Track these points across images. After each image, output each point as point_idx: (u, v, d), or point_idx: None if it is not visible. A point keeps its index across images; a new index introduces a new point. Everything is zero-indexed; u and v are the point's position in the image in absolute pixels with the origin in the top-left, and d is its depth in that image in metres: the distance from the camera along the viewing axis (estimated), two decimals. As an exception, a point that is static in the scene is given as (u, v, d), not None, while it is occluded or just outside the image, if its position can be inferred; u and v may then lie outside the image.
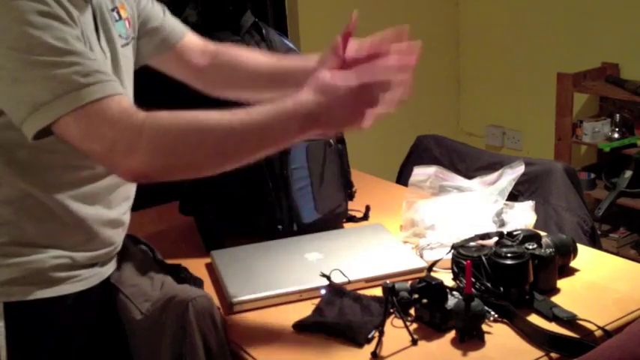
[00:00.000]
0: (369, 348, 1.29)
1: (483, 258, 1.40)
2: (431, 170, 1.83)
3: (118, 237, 1.36)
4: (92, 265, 1.28)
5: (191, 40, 1.54)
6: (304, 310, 1.42)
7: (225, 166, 1.15)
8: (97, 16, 1.26)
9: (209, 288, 1.53)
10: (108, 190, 1.29)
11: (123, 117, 1.08)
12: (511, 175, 1.73)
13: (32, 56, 1.06)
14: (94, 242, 1.28)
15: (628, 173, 3.05)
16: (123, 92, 1.13)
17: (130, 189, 1.37)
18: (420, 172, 1.84)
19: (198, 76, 1.53)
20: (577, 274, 1.53)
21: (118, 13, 1.33)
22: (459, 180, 1.82)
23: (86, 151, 1.11)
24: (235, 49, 1.57)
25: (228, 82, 1.53)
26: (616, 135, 3.16)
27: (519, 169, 1.73)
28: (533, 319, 1.34)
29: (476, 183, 1.80)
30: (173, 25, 1.51)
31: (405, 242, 1.69)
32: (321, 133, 1.18)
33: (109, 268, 1.34)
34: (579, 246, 1.55)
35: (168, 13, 1.52)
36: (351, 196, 1.97)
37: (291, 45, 1.82)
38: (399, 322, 1.34)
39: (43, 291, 1.21)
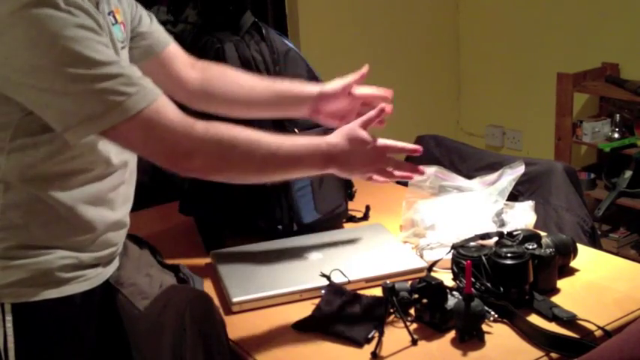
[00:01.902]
0: (369, 348, 1.29)
1: (483, 258, 1.40)
2: (431, 170, 1.83)
3: (120, 238, 1.37)
4: (96, 266, 1.29)
5: (177, 50, 1.56)
6: (304, 310, 1.42)
7: (258, 180, 1.32)
8: (101, 22, 1.27)
9: (209, 288, 1.53)
10: (110, 190, 1.30)
11: (186, 123, 1.18)
12: (511, 175, 1.73)
13: (77, 70, 1.10)
14: (98, 243, 1.29)
15: (628, 173, 3.05)
16: (162, 93, 1.19)
17: (130, 191, 1.38)
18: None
19: (184, 87, 1.55)
20: (577, 274, 1.53)
21: (113, 17, 1.35)
22: (459, 180, 1.82)
23: (148, 154, 1.18)
24: (226, 68, 1.60)
25: (217, 98, 1.57)
26: (616, 135, 3.16)
27: (519, 169, 1.73)
28: (533, 319, 1.34)
29: (476, 183, 1.80)
30: (160, 32, 1.53)
31: (405, 242, 1.69)
32: (336, 172, 1.36)
33: (111, 268, 1.35)
34: (579, 246, 1.55)
35: (155, 20, 1.54)
36: (351, 196, 1.97)
37: (291, 45, 1.82)
38: (399, 322, 1.34)
39: (50, 291, 1.22)
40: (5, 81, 1.13)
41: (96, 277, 1.29)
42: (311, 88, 1.59)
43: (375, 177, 1.42)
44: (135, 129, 1.14)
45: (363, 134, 1.38)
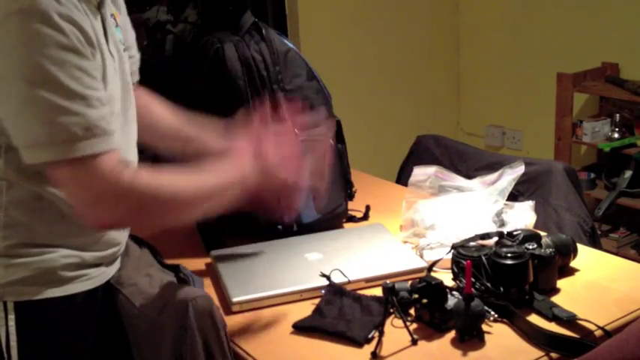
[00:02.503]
0: (369, 348, 1.29)
1: (483, 258, 1.40)
2: (431, 170, 1.83)
3: (123, 238, 1.38)
4: (98, 265, 1.29)
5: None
6: (304, 310, 1.42)
7: (177, 224, 1.29)
8: (105, 20, 1.28)
9: (209, 288, 1.53)
10: None
11: (113, 176, 1.15)
12: (511, 175, 1.73)
13: (42, 92, 1.08)
14: (101, 243, 1.29)
15: (628, 173, 3.05)
16: (117, 147, 1.17)
17: None
18: (420, 172, 1.84)
19: None
20: (577, 274, 1.53)
21: (114, 19, 1.35)
22: (459, 180, 1.82)
23: (67, 195, 1.17)
24: (148, 98, 1.57)
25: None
26: (616, 135, 3.16)
27: (519, 169, 1.73)
28: (533, 319, 1.34)
29: (476, 183, 1.80)
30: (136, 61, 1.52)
31: (405, 242, 1.69)
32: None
33: (113, 268, 1.35)
34: (579, 246, 1.55)
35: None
36: (351, 196, 1.97)
37: (291, 45, 1.82)
38: (399, 322, 1.34)
39: (53, 290, 1.22)
40: None
41: (98, 276, 1.29)
42: (214, 145, 1.52)
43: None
44: (67, 171, 1.12)
45: (273, 166, 1.34)
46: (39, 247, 1.22)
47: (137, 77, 1.52)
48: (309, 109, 1.78)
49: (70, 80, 1.10)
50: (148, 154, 1.52)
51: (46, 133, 1.10)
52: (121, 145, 1.28)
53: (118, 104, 1.28)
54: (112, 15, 1.33)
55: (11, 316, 1.19)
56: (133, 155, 1.37)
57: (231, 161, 1.32)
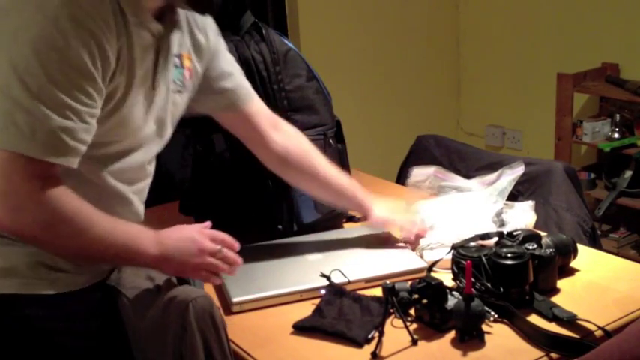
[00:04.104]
0: (369, 348, 1.29)
1: (483, 258, 1.40)
2: (430, 171, 1.83)
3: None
4: (74, 271, 1.27)
5: (259, 107, 1.60)
6: (304, 310, 1.42)
7: (72, 255, 1.23)
8: (161, 54, 1.30)
9: (209, 288, 1.53)
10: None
11: (36, 183, 1.13)
12: (511, 176, 1.73)
13: (18, 82, 1.09)
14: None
15: (628, 173, 3.04)
16: (64, 163, 1.15)
17: (133, 212, 1.37)
18: (419, 173, 1.84)
19: (266, 147, 1.61)
20: (577, 274, 1.53)
21: (180, 60, 1.36)
22: (458, 180, 1.82)
23: None
24: (304, 146, 1.66)
25: (292, 175, 1.66)
26: (616, 135, 3.15)
27: (519, 170, 1.73)
28: (533, 319, 1.34)
29: (475, 183, 1.80)
30: (242, 89, 1.56)
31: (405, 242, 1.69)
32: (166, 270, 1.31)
33: (99, 276, 1.32)
34: (579, 246, 1.55)
35: (240, 76, 1.57)
36: (351, 196, 1.97)
37: (291, 45, 1.82)
38: (399, 322, 1.34)
39: (17, 287, 1.21)
40: None
41: (75, 281, 1.27)
42: (367, 204, 1.69)
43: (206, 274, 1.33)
44: (5, 164, 1.11)
45: (172, 247, 1.28)
46: (13, 239, 1.20)
47: (252, 94, 1.57)
48: (309, 110, 1.79)
49: (50, 83, 1.10)
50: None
51: (3, 118, 1.10)
52: (127, 176, 1.30)
53: (137, 135, 1.29)
54: (178, 55, 1.35)
55: None
56: (140, 184, 1.36)
57: (156, 231, 1.28)
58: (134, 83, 1.24)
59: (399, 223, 1.67)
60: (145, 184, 1.40)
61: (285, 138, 1.63)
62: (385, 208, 1.70)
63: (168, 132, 1.40)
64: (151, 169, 1.40)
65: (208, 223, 1.35)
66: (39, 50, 1.10)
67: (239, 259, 1.34)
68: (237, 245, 1.34)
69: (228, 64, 1.53)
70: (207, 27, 1.45)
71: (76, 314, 1.26)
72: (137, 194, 1.37)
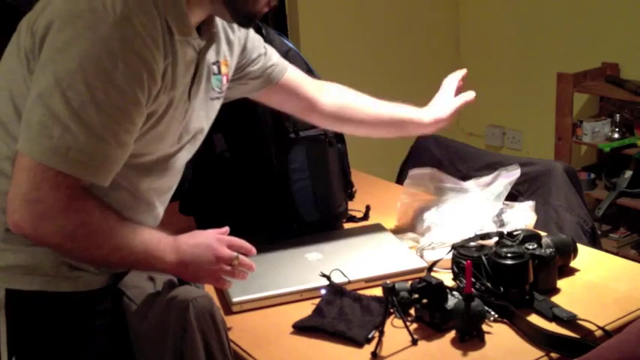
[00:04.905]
0: (369, 348, 1.29)
1: (483, 258, 1.40)
2: (426, 172, 1.83)
3: None
4: (98, 270, 1.29)
5: (298, 75, 1.63)
6: (304, 310, 1.42)
7: (92, 262, 1.26)
8: (200, 67, 1.30)
9: (209, 288, 1.53)
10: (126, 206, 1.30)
11: (64, 194, 1.13)
12: (507, 179, 1.73)
13: (60, 95, 1.10)
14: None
15: (628, 173, 3.04)
16: (92, 181, 1.16)
17: (147, 218, 1.37)
18: (416, 174, 1.83)
19: (318, 111, 1.66)
20: (577, 274, 1.53)
21: (218, 67, 1.37)
22: (455, 182, 1.82)
23: (13, 182, 1.14)
24: (349, 94, 1.72)
25: (348, 124, 1.71)
26: (616, 135, 3.15)
27: (515, 173, 1.73)
28: (533, 319, 1.34)
29: (471, 184, 1.79)
30: (275, 65, 1.57)
31: (402, 239, 1.69)
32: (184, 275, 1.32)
33: (115, 276, 1.34)
34: (579, 246, 1.55)
35: (271, 51, 1.58)
36: (351, 196, 1.97)
37: (291, 45, 1.81)
38: (399, 322, 1.34)
39: (44, 284, 1.22)
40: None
41: (94, 280, 1.29)
42: (426, 117, 1.79)
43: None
44: (28, 164, 1.12)
45: (191, 257, 1.29)
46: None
47: (286, 65, 1.60)
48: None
49: (90, 102, 1.10)
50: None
51: (37, 130, 1.11)
52: (153, 187, 1.31)
53: (169, 145, 1.30)
54: (216, 63, 1.36)
55: (1, 304, 1.20)
56: (164, 190, 1.37)
57: (174, 238, 1.29)
58: (174, 100, 1.24)
59: (447, 110, 1.87)
60: (172, 191, 1.41)
61: (332, 97, 1.67)
62: (430, 108, 1.84)
63: (201, 138, 1.41)
64: (180, 175, 1.41)
65: (226, 229, 1.35)
66: (85, 68, 1.10)
67: (253, 266, 1.35)
68: (253, 251, 1.35)
69: (256, 48, 1.53)
70: (236, 34, 1.46)
71: (92, 312, 1.28)
72: (162, 200, 1.38)
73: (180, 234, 1.30)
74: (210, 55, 1.34)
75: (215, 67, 1.36)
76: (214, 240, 1.31)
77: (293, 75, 1.61)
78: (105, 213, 1.19)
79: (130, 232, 1.22)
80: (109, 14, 1.10)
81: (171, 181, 1.38)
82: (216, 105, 1.41)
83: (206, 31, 1.30)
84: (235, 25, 1.43)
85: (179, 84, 1.25)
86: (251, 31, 1.51)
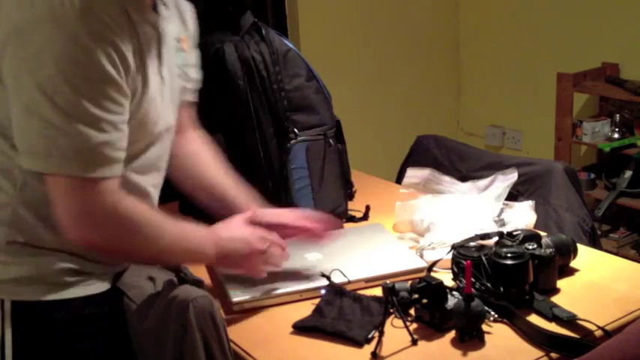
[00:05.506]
0: (369, 348, 1.29)
1: (483, 258, 1.40)
2: (425, 173, 1.82)
3: None
4: (100, 274, 1.29)
5: (190, 104, 1.55)
6: (304, 310, 1.42)
7: (145, 260, 1.34)
8: (162, 43, 1.30)
9: (209, 288, 1.53)
10: None
11: (102, 199, 1.16)
12: (504, 182, 1.73)
13: (49, 104, 1.09)
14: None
15: (628, 173, 3.05)
16: (116, 173, 1.18)
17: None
18: (414, 174, 1.83)
19: (177, 144, 1.50)
20: (577, 274, 1.53)
21: (180, 43, 1.37)
22: (452, 183, 1.82)
23: (55, 205, 1.16)
24: (199, 146, 1.58)
25: (180, 175, 1.56)
26: (616, 135, 3.15)
27: (512, 177, 1.73)
28: (533, 319, 1.34)
29: (468, 187, 1.79)
30: (196, 82, 1.52)
31: (402, 239, 1.69)
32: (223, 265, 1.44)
33: (116, 278, 1.34)
34: (579, 246, 1.55)
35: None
36: (351, 196, 1.97)
37: (291, 45, 1.82)
38: (399, 322, 1.34)
39: (49, 293, 1.22)
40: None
41: (100, 282, 1.29)
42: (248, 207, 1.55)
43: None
44: (60, 184, 1.13)
45: (232, 249, 1.38)
46: (40, 249, 1.22)
47: (193, 98, 1.52)
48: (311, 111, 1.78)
49: (81, 99, 1.11)
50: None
51: (44, 144, 1.11)
52: (146, 165, 1.31)
53: (156, 127, 1.30)
54: (178, 39, 1.36)
55: (7, 316, 1.20)
56: (158, 178, 1.38)
57: (212, 230, 1.37)
58: (149, 80, 1.25)
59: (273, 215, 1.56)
60: (162, 177, 1.41)
61: (188, 141, 1.57)
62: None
63: (171, 119, 1.39)
64: (167, 159, 1.41)
65: (251, 213, 1.46)
66: (64, 69, 1.09)
67: (285, 256, 1.46)
68: (285, 245, 1.46)
69: (197, 56, 1.52)
70: (188, 14, 1.45)
71: (96, 317, 1.28)
72: (154, 187, 1.38)
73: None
74: (172, 32, 1.34)
75: (177, 44, 1.36)
76: (250, 234, 1.40)
77: (190, 102, 1.54)
78: (150, 210, 1.25)
79: (175, 229, 1.28)
80: (70, 10, 1.09)
81: (159, 165, 1.37)
82: (181, 82, 1.40)
83: (160, 6, 1.30)
84: (190, 21, 1.44)
85: (149, 64, 1.25)
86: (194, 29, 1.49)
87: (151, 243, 1.24)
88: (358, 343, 1.31)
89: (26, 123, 1.12)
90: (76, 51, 1.10)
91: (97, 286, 1.28)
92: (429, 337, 1.32)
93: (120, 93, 1.16)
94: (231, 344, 1.31)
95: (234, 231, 1.40)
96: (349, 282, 1.47)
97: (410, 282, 1.39)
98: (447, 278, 1.45)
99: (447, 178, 1.83)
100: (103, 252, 1.24)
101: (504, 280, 1.38)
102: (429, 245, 1.61)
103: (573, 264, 1.54)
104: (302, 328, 1.37)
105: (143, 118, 1.25)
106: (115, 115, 1.16)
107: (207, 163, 1.58)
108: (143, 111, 1.25)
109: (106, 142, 1.15)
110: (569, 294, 1.45)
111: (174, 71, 1.36)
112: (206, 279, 1.56)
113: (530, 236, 1.49)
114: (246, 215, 1.44)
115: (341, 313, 1.38)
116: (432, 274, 1.50)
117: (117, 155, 1.17)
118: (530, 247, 1.43)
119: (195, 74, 1.51)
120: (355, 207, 1.92)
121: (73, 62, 1.10)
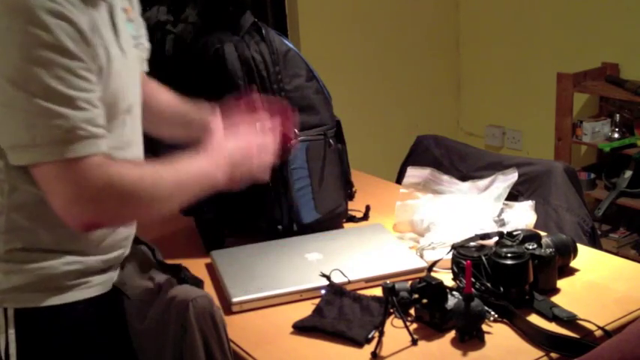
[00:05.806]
0: (369, 348, 1.29)
1: (483, 258, 1.40)
2: (425, 172, 1.82)
3: (127, 241, 1.37)
4: (102, 271, 1.29)
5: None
6: (304, 310, 1.42)
7: (158, 214, 1.28)
8: (113, 14, 1.28)
9: (209, 288, 1.53)
10: None
11: (94, 175, 1.14)
12: (504, 183, 1.73)
13: (24, 93, 1.08)
14: (105, 246, 1.29)
15: (628, 173, 3.05)
16: (103, 149, 1.16)
17: None
18: (414, 174, 1.83)
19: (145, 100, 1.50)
20: (577, 274, 1.53)
21: (126, 14, 1.35)
22: (452, 183, 1.82)
23: (49, 195, 1.14)
24: (154, 86, 1.57)
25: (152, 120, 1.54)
26: (616, 135, 3.15)
27: (512, 177, 1.73)
28: (533, 319, 1.34)
29: (468, 187, 1.79)
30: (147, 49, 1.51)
31: (402, 239, 1.69)
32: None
33: (117, 274, 1.35)
34: (579, 246, 1.55)
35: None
36: (351, 196, 1.97)
37: (290, 45, 1.81)
38: (399, 322, 1.34)
39: (53, 298, 1.22)
40: None
41: (101, 283, 1.29)
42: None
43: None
44: (50, 171, 1.12)
45: (236, 160, 1.37)
46: (41, 252, 1.21)
47: (146, 67, 1.51)
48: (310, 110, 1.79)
49: (54, 81, 1.09)
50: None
51: (28, 135, 1.10)
52: (124, 141, 1.29)
53: (125, 101, 1.29)
54: (124, 9, 1.33)
55: (11, 323, 1.20)
56: (137, 151, 1.37)
57: (207, 151, 1.33)
58: (110, 55, 1.23)
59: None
60: (141, 149, 1.39)
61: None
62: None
63: (135, 92, 1.38)
64: (141, 130, 1.39)
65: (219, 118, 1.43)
66: (30, 56, 1.08)
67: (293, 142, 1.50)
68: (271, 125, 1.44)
69: (143, 24, 1.50)
70: None
71: (97, 318, 1.28)
72: (137, 159, 1.36)
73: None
74: (118, 3, 1.31)
75: (125, 15, 1.34)
76: (245, 139, 1.39)
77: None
78: (140, 167, 1.24)
79: (169, 169, 1.25)
80: None
81: (134, 137, 1.36)
82: (137, 53, 1.39)
83: None
84: None
85: (107, 37, 1.23)
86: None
87: (154, 199, 1.22)
88: (358, 343, 1.31)
89: (5, 119, 1.11)
90: (36, 34, 1.08)
91: (98, 288, 1.28)
92: (429, 337, 1.32)
93: (86, 68, 1.15)
94: (231, 344, 1.31)
95: (225, 141, 1.37)
96: (349, 282, 1.47)
97: (410, 282, 1.39)
98: (447, 278, 1.45)
99: (447, 178, 1.83)
100: (112, 226, 1.24)
101: (504, 280, 1.38)
102: (429, 245, 1.61)
103: (573, 264, 1.54)
104: (302, 328, 1.37)
105: (114, 93, 1.24)
106: (88, 92, 1.14)
107: (166, 97, 1.58)
108: (113, 85, 1.23)
109: (86, 119, 1.13)
110: (569, 294, 1.45)
111: (130, 42, 1.34)
112: (206, 279, 1.56)
113: (530, 236, 1.49)
114: (219, 126, 1.41)
115: (341, 313, 1.38)
116: (432, 274, 1.50)
117: (98, 131, 1.15)
118: (530, 247, 1.43)
119: (147, 43, 1.49)
120: (355, 207, 1.92)
121: (37, 46, 1.08)
